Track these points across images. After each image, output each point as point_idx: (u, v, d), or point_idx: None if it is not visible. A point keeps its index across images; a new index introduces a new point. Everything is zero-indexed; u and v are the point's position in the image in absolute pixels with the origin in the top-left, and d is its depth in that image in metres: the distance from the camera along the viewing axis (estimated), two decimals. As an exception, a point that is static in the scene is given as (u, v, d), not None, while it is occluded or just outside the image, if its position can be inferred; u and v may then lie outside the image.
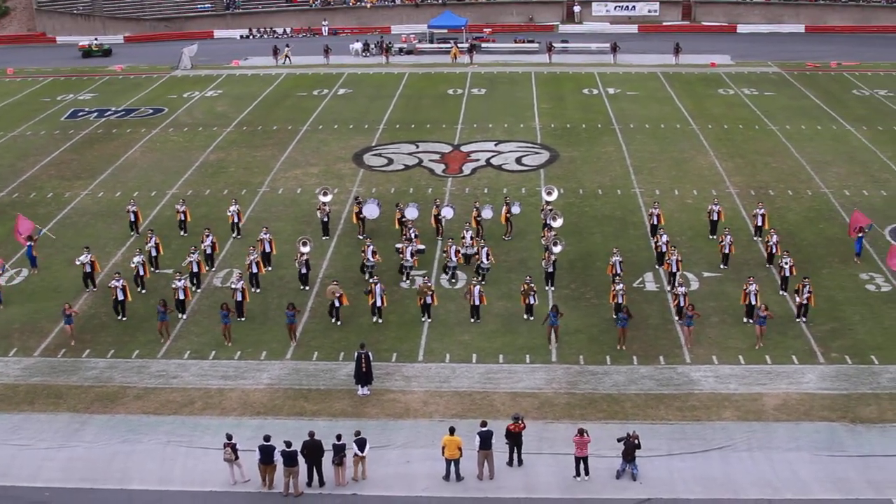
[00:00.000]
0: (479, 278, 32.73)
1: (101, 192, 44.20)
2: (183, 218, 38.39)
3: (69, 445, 24.56)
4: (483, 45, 79.46)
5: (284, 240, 36.73)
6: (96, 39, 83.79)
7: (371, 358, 26.69)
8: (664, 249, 33.83)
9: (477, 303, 30.58)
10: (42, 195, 43.92)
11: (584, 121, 54.73)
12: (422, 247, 35.13)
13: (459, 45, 75.70)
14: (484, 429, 22.85)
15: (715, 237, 36.35)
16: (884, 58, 73.20)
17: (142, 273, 33.11)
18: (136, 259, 33.20)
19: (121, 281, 31.28)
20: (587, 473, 22.77)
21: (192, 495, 22.70)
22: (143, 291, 32.96)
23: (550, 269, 33.01)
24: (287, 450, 22.36)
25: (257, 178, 45.62)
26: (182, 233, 38.13)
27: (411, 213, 37.08)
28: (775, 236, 34.40)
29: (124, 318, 31.22)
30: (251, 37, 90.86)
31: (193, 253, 33.56)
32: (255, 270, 33.08)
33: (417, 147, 50.33)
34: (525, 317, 30.78)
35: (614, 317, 29.95)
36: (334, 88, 64.91)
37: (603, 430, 24.28)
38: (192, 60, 73.45)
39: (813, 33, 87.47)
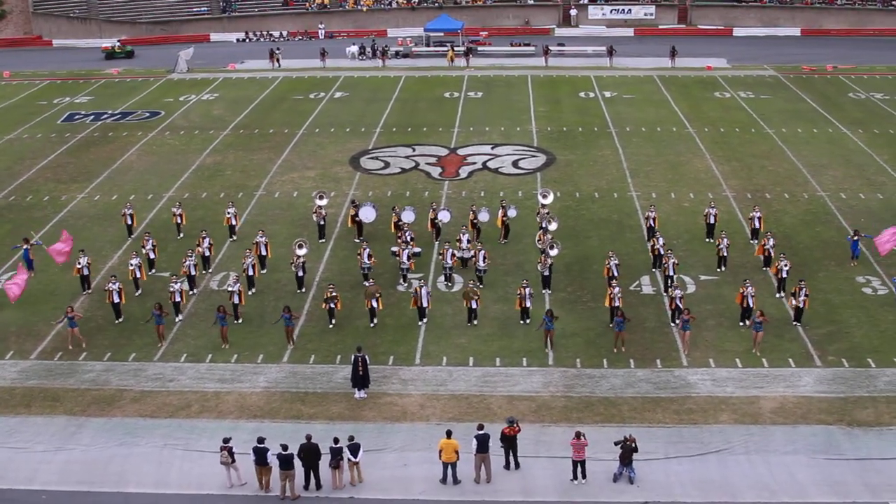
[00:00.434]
0: (476, 281, 32.77)
1: (97, 195, 44.15)
2: (179, 221, 38.45)
3: (66, 448, 24.53)
4: (479, 48, 79.60)
5: (280, 243, 36.72)
6: (118, 41, 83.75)
7: (368, 361, 26.70)
8: (661, 252, 33.88)
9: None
10: (38, 198, 43.86)
11: (581, 124, 54.79)
12: (418, 249, 35.11)
13: (456, 49, 75.78)
14: (481, 432, 22.83)
15: (711, 240, 36.40)
16: (880, 61, 73.37)
17: (138, 276, 33.11)
18: (132, 262, 33.20)
19: (117, 284, 31.26)
20: (584, 477, 22.76)
21: (188, 498, 22.68)
22: (139, 293, 32.94)
23: (547, 273, 33.03)
24: (283, 453, 22.34)
25: (254, 181, 45.60)
26: (178, 235, 38.19)
27: (408, 216, 37.10)
28: (772, 239, 34.44)
29: (120, 321, 31.20)
30: (248, 40, 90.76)
31: (190, 256, 33.57)
32: (250, 273, 33.14)
33: (414, 150, 50.33)
34: (521, 321, 30.76)
35: (610, 323, 29.93)
36: (331, 92, 64.93)
37: (600, 433, 24.26)
38: (188, 64, 73.41)
39: (809, 36, 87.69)
